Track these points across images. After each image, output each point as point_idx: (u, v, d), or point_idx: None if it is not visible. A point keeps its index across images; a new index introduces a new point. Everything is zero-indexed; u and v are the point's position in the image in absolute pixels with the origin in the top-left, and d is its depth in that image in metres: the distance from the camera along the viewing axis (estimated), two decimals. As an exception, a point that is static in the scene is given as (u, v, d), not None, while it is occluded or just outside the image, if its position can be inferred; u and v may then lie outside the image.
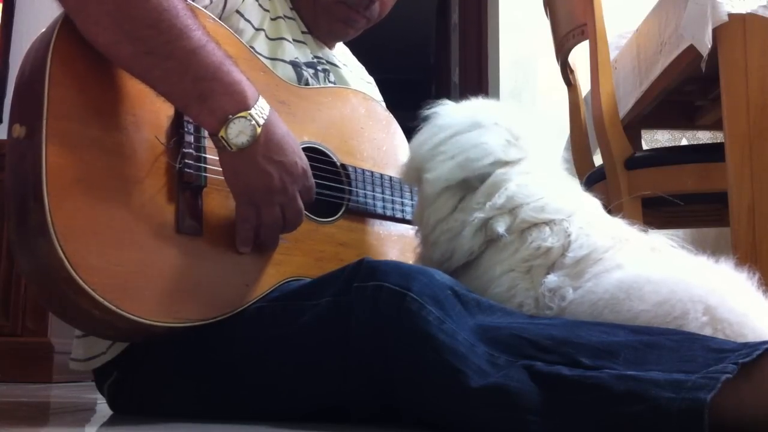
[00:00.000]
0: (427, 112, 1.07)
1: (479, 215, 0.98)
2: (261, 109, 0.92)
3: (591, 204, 1.03)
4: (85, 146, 0.88)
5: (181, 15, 0.89)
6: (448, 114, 1.06)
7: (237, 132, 0.91)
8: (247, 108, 0.91)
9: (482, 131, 1.02)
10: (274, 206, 0.97)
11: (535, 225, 0.96)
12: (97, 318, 0.87)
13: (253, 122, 0.91)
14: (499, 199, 0.98)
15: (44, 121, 0.84)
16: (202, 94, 0.90)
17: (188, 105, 0.92)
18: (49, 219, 0.82)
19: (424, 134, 1.05)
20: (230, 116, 0.90)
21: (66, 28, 0.89)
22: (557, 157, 1.12)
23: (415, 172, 1.05)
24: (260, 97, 0.94)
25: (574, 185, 1.08)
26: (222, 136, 0.90)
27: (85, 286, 0.83)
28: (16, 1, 3.06)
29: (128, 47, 0.88)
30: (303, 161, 0.99)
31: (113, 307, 0.85)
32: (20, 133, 0.86)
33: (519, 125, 1.05)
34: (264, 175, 0.94)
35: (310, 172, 1.00)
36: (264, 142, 0.93)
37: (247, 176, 0.94)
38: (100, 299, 0.84)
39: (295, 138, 0.99)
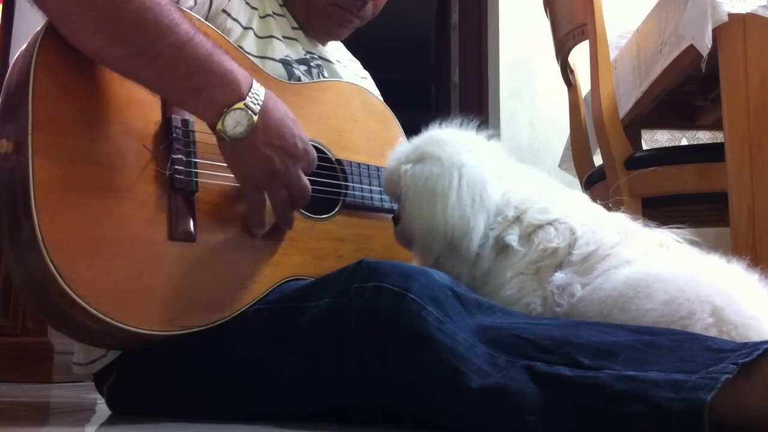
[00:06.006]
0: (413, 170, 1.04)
1: (494, 234, 0.99)
2: (256, 96, 0.92)
3: (581, 198, 1.04)
4: (73, 158, 0.87)
5: (165, 11, 0.88)
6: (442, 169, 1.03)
7: (234, 123, 0.91)
8: (242, 97, 0.91)
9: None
10: (279, 188, 0.98)
11: (540, 227, 0.97)
12: (93, 329, 0.87)
13: (249, 112, 0.91)
14: (509, 212, 1.00)
15: (29, 137, 0.84)
16: (197, 88, 0.89)
17: (184, 100, 0.92)
18: (39, 234, 0.82)
19: (440, 201, 1.01)
20: (225, 108, 0.90)
21: (48, 39, 0.88)
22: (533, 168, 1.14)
23: (451, 241, 1.00)
24: (254, 82, 0.93)
25: (557, 183, 1.10)
26: (219, 129, 0.91)
27: (79, 300, 0.83)
28: (16, 1, 3.06)
29: (117, 50, 0.87)
30: (303, 140, 0.99)
31: (108, 319, 0.85)
32: (7, 149, 0.86)
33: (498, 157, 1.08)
34: (265, 160, 0.95)
35: (310, 147, 1.00)
36: (262, 129, 0.93)
37: (249, 163, 0.95)
38: (95, 312, 0.84)
39: (293, 116, 0.99)
